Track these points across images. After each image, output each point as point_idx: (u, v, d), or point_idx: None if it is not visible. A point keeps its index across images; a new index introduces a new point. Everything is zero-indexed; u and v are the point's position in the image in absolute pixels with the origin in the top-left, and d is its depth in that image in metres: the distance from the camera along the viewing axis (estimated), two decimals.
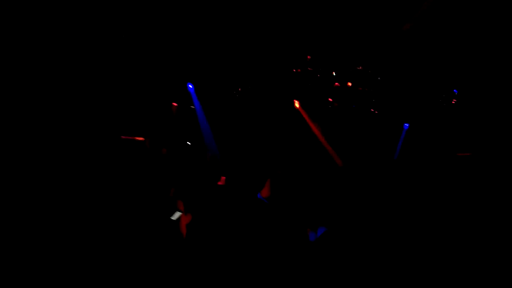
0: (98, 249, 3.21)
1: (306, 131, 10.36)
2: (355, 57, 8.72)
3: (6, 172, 3.83)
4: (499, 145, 8.70)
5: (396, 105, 9.86)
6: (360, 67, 8.96)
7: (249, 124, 10.06)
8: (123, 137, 8.91)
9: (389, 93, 9.49)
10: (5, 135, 4.01)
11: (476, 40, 7.52)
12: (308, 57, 9.11)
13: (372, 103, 9.59)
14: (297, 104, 10.30)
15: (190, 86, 9.65)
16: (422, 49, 8.09)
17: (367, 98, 9.45)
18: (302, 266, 3.27)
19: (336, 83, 8.85)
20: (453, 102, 9.21)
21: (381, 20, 7.31)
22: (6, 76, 4.10)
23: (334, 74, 8.85)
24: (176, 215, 3.77)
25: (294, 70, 8.90)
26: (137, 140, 9.12)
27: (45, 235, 3.35)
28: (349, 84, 9.05)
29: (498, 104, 8.69)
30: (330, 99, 9.60)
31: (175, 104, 10.10)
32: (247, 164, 9.36)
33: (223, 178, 7.06)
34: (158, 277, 3.10)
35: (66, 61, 7.08)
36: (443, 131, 9.75)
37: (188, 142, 10.00)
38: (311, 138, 10.33)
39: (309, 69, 9.02)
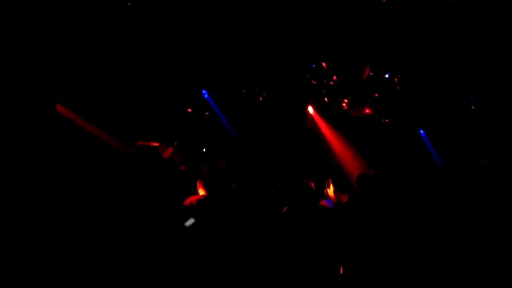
0: (110, 253, 3.24)
1: (320, 136, 10.32)
2: (369, 63, 8.64)
3: (20, 173, 3.91)
4: None
5: (412, 112, 9.74)
6: (372, 73, 8.89)
7: (264, 128, 10.08)
8: (139, 142, 9.04)
9: (405, 100, 9.38)
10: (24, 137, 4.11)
11: (494, 44, 7.37)
12: (323, 63, 9.08)
13: (387, 109, 9.48)
14: (311, 110, 10.28)
15: (204, 92, 9.73)
16: (439, 53, 7.97)
17: (383, 104, 9.35)
18: (306, 266, 3.24)
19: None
20: (472, 107, 9.04)
21: (395, 25, 7.23)
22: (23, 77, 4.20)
23: (347, 80, 8.79)
24: (190, 221, 3.80)
25: (308, 77, 8.88)
26: (152, 145, 9.23)
27: (54, 238, 3.39)
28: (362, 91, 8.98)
29: None
30: (344, 106, 9.53)
31: (189, 110, 10.21)
32: (260, 168, 9.37)
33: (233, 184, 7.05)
34: (165, 277, 3.11)
35: (83, 66, 7.24)
36: (462, 138, 9.58)
37: (203, 149, 10.09)
38: (326, 143, 10.28)
39: (322, 75, 8.99)
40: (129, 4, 6.46)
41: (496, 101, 8.72)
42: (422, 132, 10.02)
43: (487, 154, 9.24)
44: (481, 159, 9.28)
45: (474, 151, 9.46)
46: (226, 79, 9.28)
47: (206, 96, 9.73)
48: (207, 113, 10.20)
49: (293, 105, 10.10)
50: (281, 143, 10.08)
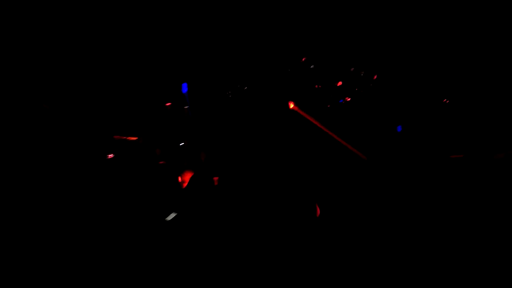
0: (90, 249, 3.15)
1: (305, 128, 10.33)
2: (349, 59, 8.72)
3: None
4: (491, 146, 8.77)
5: (390, 107, 9.89)
6: (352, 69, 8.98)
7: (244, 124, 10.02)
8: (116, 136, 8.82)
9: (382, 95, 9.52)
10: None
11: (467, 43, 7.57)
12: (303, 58, 9.09)
13: (365, 104, 9.61)
14: (291, 105, 10.29)
15: (184, 86, 9.57)
16: (415, 51, 8.12)
17: (360, 99, 9.46)
18: (303, 264, 3.24)
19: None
20: (445, 101, 9.26)
21: (375, 21, 7.32)
22: None
23: (328, 75, 8.84)
24: (171, 216, 3.73)
25: (289, 70, 8.88)
26: (130, 139, 9.03)
27: (35, 235, 3.28)
28: (340, 83, 9.05)
29: (490, 105, 8.76)
30: (324, 100, 9.59)
31: (168, 104, 10.03)
32: (241, 163, 9.32)
33: (216, 178, 7.01)
34: (156, 276, 3.05)
35: (57, 62, 6.98)
36: (437, 133, 9.81)
37: (180, 143, 9.94)
38: (313, 134, 10.29)
39: (303, 70, 9.02)
40: None
41: (471, 97, 8.97)
42: (399, 128, 10.20)
43: (461, 148, 9.50)
44: (455, 154, 9.54)
45: (448, 145, 9.71)
46: (207, 74, 9.17)
47: (186, 90, 9.58)
48: (186, 107, 10.05)
49: (275, 100, 10.08)
50: (263, 138, 10.06)
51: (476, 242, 4.41)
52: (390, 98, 9.66)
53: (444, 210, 5.86)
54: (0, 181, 3.65)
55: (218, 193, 3.95)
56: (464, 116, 9.15)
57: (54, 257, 3.08)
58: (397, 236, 4.36)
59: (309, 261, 3.25)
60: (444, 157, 9.72)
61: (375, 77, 8.97)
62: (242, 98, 9.47)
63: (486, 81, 8.32)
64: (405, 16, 7.02)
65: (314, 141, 10.21)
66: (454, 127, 9.50)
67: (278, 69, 9.20)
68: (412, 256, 4.12)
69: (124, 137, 8.87)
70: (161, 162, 6.77)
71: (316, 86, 9.33)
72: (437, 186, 7.56)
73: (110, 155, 7.11)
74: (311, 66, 8.54)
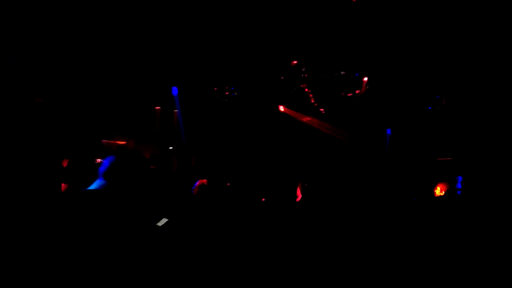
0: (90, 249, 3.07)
1: (296, 129, 10.36)
2: (340, 62, 8.78)
3: None
4: (480, 149, 8.92)
5: (379, 111, 9.99)
6: (344, 72, 9.03)
7: (235, 127, 10.00)
8: (104, 141, 8.69)
9: (372, 99, 9.59)
10: None
11: (457, 46, 7.68)
12: (294, 62, 9.13)
13: (355, 108, 9.67)
14: (282, 108, 10.32)
15: (175, 89, 9.50)
16: (405, 54, 8.21)
17: (351, 103, 9.53)
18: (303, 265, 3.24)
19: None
20: (437, 108, 9.38)
21: (366, 25, 7.38)
22: None
23: (320, 78, 8.90)
24: (163, 221, 3.67)
25: (282, 78, 8.92)
26: (119, 144, 8.93)
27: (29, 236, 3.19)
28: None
29: (479, 109, 8.90)
30: (315, 104, 9.64)
31: (158, 107, 9.94)
32: (233, 166, 9.30)
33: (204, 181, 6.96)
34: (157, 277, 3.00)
35: (50, 63, 6.86)
36: (425, 137, 9.93)
37: (170, 147, 9.86)
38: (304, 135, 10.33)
39: (294, 74, 9.05)
40: None
41: (460, 101, 9.11)
42: (388, 131, 10.30)
43: (449, 152, 9.64)
44: (442, 157, 9.68)
45: (436, 149, 9.84)
46: (197, 77, 9.13)
47: (176, 93, 9.50)
48: (176, 110, 9.97)
49: (265, 103, 10.08)
50: (253, 141, 10.06)
51: (460, 242, 4.46)
52: (379, 101, 9.75)
53: (431, 212, 5.92)
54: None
55: (213, 196, 3.94)
56: (457, 118, 9.26)
57: (53, 257, 3.01)
58: (382, 237, 4.40)
59: (309, 261, 3.25)
60: (432, 160, 9.85)
61: (365, 79, 9.03)
62: (234, 101, 9.45)
63: (480, 83, 8.44)
64: (400, 17, 7.10)
65: (307, 141, 10.26)
66: (443, 130, 9.62)
67: (269, 73, 9.21)
68: (403, 258, 4.16)
69: (113, 141, 8.77)
70: (152, 167, 6.70)
71: (306, 89, 9.38)
72: (424, 189, 7.63)
73: (98, 160, 7.03)
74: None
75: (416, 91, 9.28)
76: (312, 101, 9.34)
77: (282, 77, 8.85)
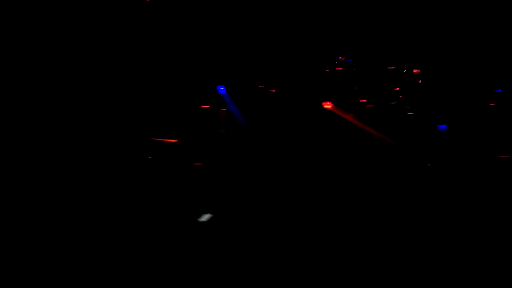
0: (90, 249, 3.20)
1: (343, 127, 10.11)
2: (387, 57, 8.48)
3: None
4: None
5: (433, 106, 9.52)
6: (393, 67, 8.73)
7: (280, 124, 9.96)
8: (154, 139, 9.05)
9: (425, 93, 9.18)
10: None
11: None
12: (341, 58, 8.95)
13: (407, 103, 9.29)
14: (328, 106, 10.11)
15: (222, 88, 9.62)
16: (461, 46, 7.78)
17: (403, 98, 9.17)
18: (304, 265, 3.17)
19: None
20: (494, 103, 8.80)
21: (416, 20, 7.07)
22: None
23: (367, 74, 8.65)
24: (205, 217, 3.76)
25: (327, 70, 8.75)
26: (169, 142, 9.23)
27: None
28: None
29: None
30: (363, 100, 9.38)
31: (206, 106, 10.13)
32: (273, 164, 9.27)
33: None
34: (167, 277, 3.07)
35: (94, 63, 7.24)
36: (484, 133, 9.33)
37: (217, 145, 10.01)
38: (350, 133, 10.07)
39: (340, 69, 8.86)
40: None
41: None
42: (444, 126, 9.76)
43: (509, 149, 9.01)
44: (503, 154, 9.07)
45: (496, 145, 9.23)
46: (240, 75, 9.21)
47: (224, 92, 9.61)
48: (223, 109, 10.10)
49: (309, 100, 9.95)
50: (297, 139, 9.96)
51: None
52: (433, 96, 9.31)
53: (491, 212, 5.57)
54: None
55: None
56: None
57: (53, 257, 3.15)
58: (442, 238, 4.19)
59: (309, 261, 3.18)
60: (492, 158, 9.23)
61: (416, 71, 8.64)
62: (276, 98, 9.41)
63: None
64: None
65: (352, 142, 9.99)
66: (503, 126, 9.00)
67: (315, 69, 9.09)
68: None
69: (163, 139, 9.09)
70: (196, 164, 6.87)
71: (355, 87, 9.15)
72: (484, 188, 7.19)
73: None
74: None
75: (475, 83, 8.77)
76: (359, 98, 9.09)
77: (327, 70, 8.67)
